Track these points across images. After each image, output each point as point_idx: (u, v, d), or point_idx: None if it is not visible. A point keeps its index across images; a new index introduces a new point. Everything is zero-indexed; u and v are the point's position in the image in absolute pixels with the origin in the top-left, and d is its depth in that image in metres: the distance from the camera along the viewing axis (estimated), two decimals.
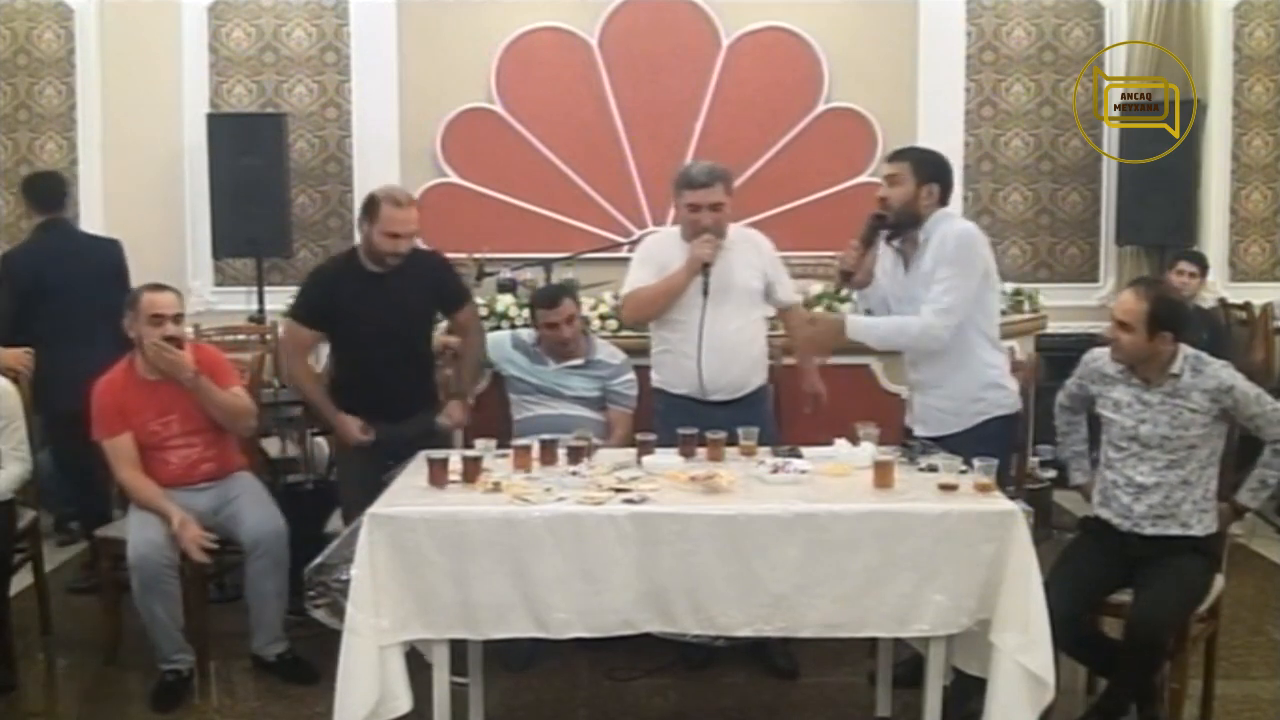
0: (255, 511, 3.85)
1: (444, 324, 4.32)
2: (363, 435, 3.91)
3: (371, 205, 3.84)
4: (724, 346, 3.82)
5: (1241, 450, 3.35)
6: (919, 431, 3.59)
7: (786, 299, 4.01)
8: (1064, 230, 6.86)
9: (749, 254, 3.90)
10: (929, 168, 3.54)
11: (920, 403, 3.62)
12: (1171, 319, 3.24)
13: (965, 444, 3.36)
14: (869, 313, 3.74)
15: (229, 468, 3.97)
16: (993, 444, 3.39)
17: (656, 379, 4.00)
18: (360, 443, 3.90)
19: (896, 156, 3.62)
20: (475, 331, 4.20)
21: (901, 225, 3.53)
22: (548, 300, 4.26)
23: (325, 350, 4.27)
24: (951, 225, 3.50)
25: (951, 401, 3.53)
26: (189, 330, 4.10)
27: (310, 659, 3.82)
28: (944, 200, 3.55)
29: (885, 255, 3.62)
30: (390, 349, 3.90)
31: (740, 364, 3.87)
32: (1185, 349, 3.28)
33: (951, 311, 3.42)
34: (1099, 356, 3.43)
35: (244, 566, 3.85)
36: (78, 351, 4.27)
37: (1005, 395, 3.56)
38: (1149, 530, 3.29)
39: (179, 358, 3.77)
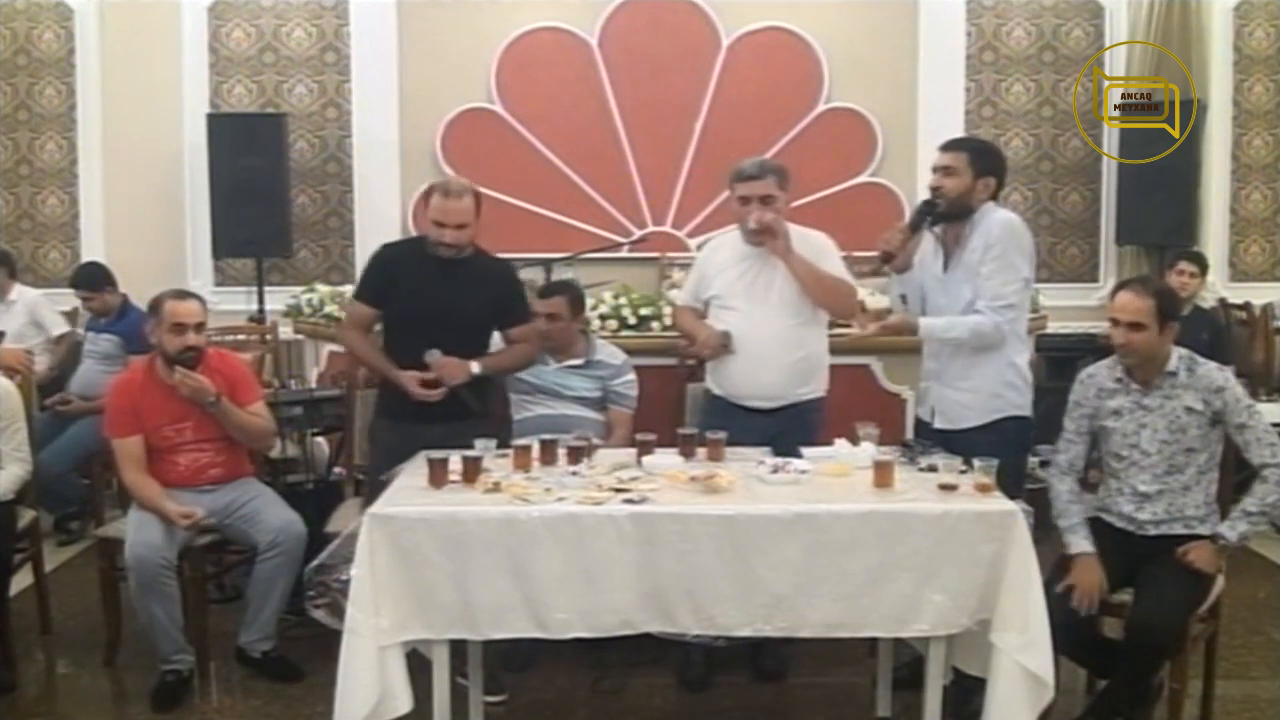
0: (277, 513, 3.87)
1: None
2: (422, 390, 3.74)
3: (428, 193, 3.92)
4: (757, 353, 3.73)
5: (1240, 456, 3.33)
6: (937, 424, 3.59)
7: None
8: (1064, 230, 6.86)
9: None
10: (987, 160, 3.54)
11: (939, 394, 3.61)
12: (1175, 309, 3.29)
13: (981, 439, 3.37)
14: (903, 298, 3.74)
15: (237, 473, 3.97)
16: (1008, 443, 3.40)
17: (707, 378, 3.95)
18: (424, 398, 3.74)
19: (953, 146, 3.58)
20: (528, 345, 4.06)
21: (951, 216, 3.52)
22: (543, 291, 4.29)
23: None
24: (996, 216, 3.49)
25: (972, 395, 3.53)
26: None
27: (298, 659, 3.84)
28: (995, 194, 3.54)
29: (925, 242, 3.60)
30: (437, 337, 3.77)
31: (774, 372, 3.73)
32: (1179, 349, 3.29)
33: (1013, 306, 3.43)
34: (1093, 373, 3.42)
35: (254, 563, 3.85)
36: None
37: (1023, 395, 3.55)
38: (1152, 532, 3.30)
39: (202, 385, 3.77)
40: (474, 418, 3.81)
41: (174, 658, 3.72)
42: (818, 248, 3.80)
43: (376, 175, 6.71)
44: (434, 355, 3.76)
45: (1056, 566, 3.31)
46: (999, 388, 3.51)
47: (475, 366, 3.82)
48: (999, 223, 3.46)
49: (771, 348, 3.73)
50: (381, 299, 3.93)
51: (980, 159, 3.52)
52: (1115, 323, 3.27)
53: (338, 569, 2.94)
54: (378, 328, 4.01)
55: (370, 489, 4.03)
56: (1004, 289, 3.42)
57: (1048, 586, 2.92)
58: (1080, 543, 3.29)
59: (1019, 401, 3.53)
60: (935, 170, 3.55)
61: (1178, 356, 3.27)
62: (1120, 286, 3.36)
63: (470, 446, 3.23)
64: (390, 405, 3.91)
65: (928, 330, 3.52)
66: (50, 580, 4.38)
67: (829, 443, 3.43)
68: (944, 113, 6.59)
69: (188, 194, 6.64)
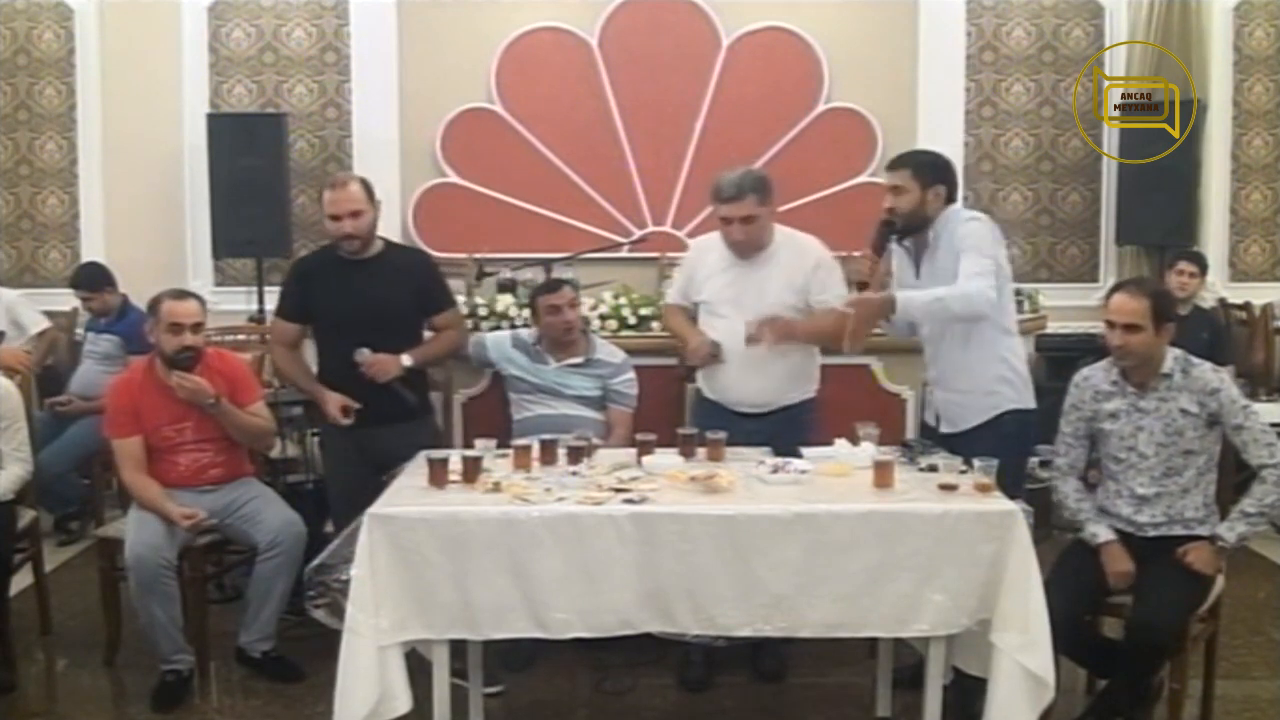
0: (277, 513, 3.87)
1: None
2: (339, 414, 3.87)
3: (322, 196, 3.92)
4: (746, 361, 3.71)
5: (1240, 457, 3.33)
6: (943, 429, 3.59)
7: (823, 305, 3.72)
8: (1064, 230, 6.85)
9: (790, 265, 3.72)
10: (931, 171, 3.52)
11: (943, 398, 3.62)
12: (1170, 309, 3.27)
13: (982, 439, 3.38)
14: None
15: (237, 473, 3.97)
16: (1009, 439, 3.39)
17: (698, 379, 3.94)
18: (336, 421, 3.88)
19: (896, 164, 3.57)
20: (454, 332, 4.13)
21: (910, 230, 3.52)
22: (550, 286, 4.30)
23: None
24: (961, 219, 3.47)
25: (968, 395, 3.53)
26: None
27: (298, 659, 3.84)
28: (951, 198, 3.53)
29: (896, 255, 3.59)
30: (365, 338, 3.83)
31: (764, 379, 3.72)
32: (1173, 350, 3.28)
33: (985, 277, 3.35)
34: (1089, 375, 3.41)
35: (254, 563, 3.85)
36: None
37: (1018, 390, 3.52)
38: (1151, 533, 3.30)
39: (200, 386, 3.77)
40: (417, 417, 3.90)
41: (174, 658, 3.72)
42: (813, 263, 3.75)
43: (376, 175, 6.49)
44: (363, 354, 3.82)
45: (1057, 566, 3.32)
46: (993, 384, 3.50)
47: (406, 359, 3.88)
48: (965, 228, 3.43)
49: (760, 357, 3.70)
50: (300, 312, 4.01)
51: (923, 172, 3.50)
52: (1111, 325, 3.26)
53: (338, 569, 2.95)
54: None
55: (330, 493, 4.07)
56: (974, 264, 3.37)
57: (1048, 586, 2.91)
58: (1104, 531, 3.30)
59: (1014, 395, 3.52)
60: (887, 191, 3.54)
61: (1173, 358, 3.27)
62: (1115, 288, 3.35)
63: (417, 446, 3.24)
64: None
65: (906, 303, 3.41)
66: (50, 580, 4.38)
67: (829, 442, 3.43)
68: (944, 113, 6.59)
69: (188, 194, 6.63)
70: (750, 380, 3.74)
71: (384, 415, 3.82)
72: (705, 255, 3.87)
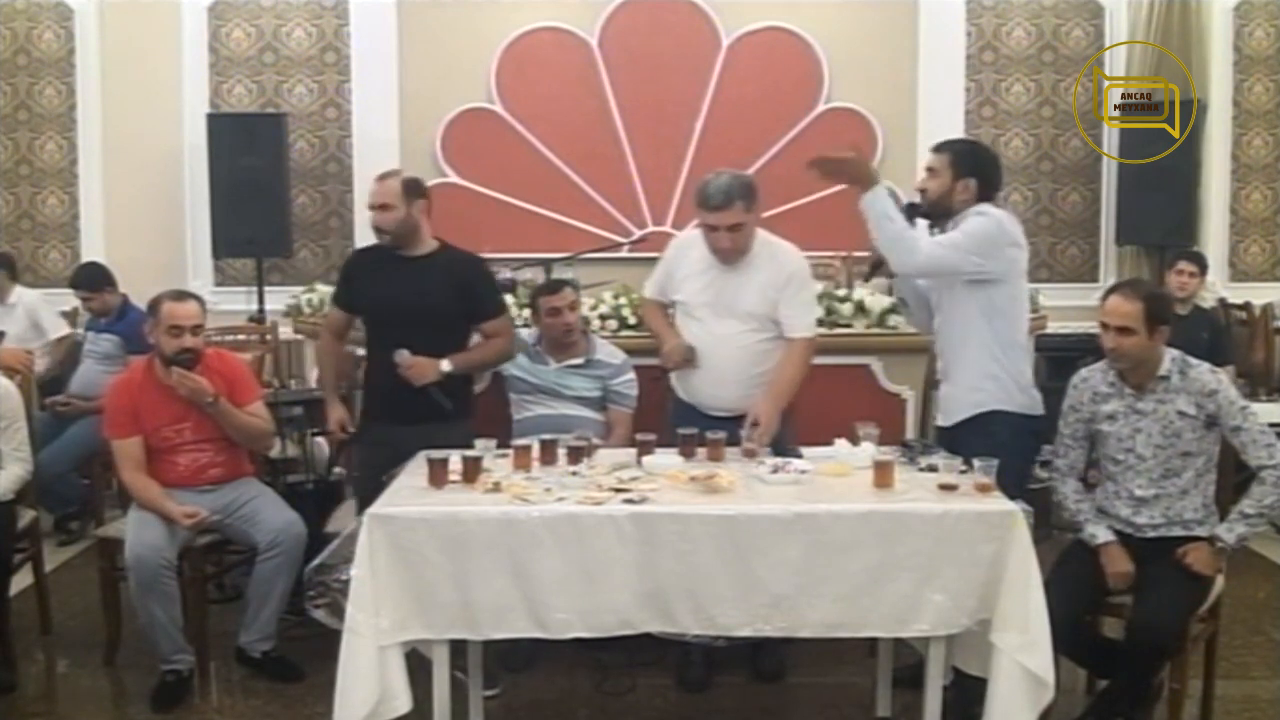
0: (277, 513, 3.87)
1: None
2: (336, 428, 4.03)
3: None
4: (719, 365, 3.70)
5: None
6: (940, 422, 3.59)
7: (787, 326, 3.67)
8: (1064, 230, 6.86)
9: (766, 273, 3.68)
10: (968, 161, 3.49)
11: (943, 390, 3.62)
12: (1165, 312, 3.24)
13: (972, 435, 3.36)
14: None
15: (237, 473, 3.97)
16: (1003, 447, 3.27)
17: (673, 379, 3.91)
18: (333, 432, 4.05)
19: (938, 148, 3.55)
20: (502, 339, 4.04)
21: (934, 216, 3.51)
22: (551, 287, 4.30)
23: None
24: (972, 213, 3.41)
25: (955, 388, 3.52)
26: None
27: (298, 659, 3.84)
28: (985, 194, 3.47)
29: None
30: (405, 335, 3.78)
31: (737, 386, 3.67)
32: (1171, 351, 3.27)
33: (940, 252, 3.35)
34: (1087, 377, 3.40)
35: (254, 563, 3.85)
36: None
37: (1010, 391, 3.45)
38: (1150, 534, 3.29)
39: (200, 385, 3.76)
40: (449, 418, 3.83)
41: (174, 658, 3.72)
42: (786, 277, 3.68)
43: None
44: (403, 355, 3.79)
45: (1057, 566, 3.32)
46: (978, 380, 3.46)
47: (446, 364, 3.82)
48: (969, 220, 3.40)
49: (735, 363, 3.69)
50: (349, 303, 4.02)
51: (961, 161, 3.48)
52: (1105, 327, 3.24)
53: (338, 569, 2.95)
54: None
55: (356, 490, 4.08)
56: (947, 238, 3.37)
57: (1048, 586, 2.91)
58: (1104, 533, 3.29)
59: (1002, 396, 3.45)
60: (924, 170, 3.55)
61: (1170, 360, 3.26)
62: (1110, 290, 3.33)
63: (440, 447, 3.22)
64: (369, 405, 4.00)
65: (877, 195, 3.35)
66: (50, 580, 4.38)
67: (828, 442, 3.42)
68: (944, 113, 6.59)
69: (188, 194, 6.64)
70: (723, 385, 3.70)
71: (418, 415, 3.78)
72: (687, 252, 3.80)
